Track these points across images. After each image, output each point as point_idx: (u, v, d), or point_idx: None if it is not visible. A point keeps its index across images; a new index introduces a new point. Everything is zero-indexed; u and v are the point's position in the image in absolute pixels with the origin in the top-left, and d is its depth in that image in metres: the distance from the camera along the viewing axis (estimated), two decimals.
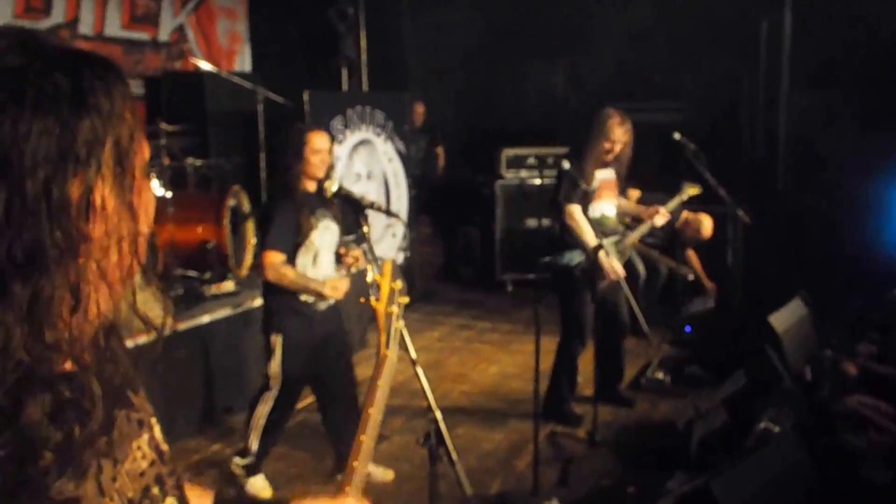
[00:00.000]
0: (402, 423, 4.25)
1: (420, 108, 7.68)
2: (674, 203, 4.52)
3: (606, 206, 4.30)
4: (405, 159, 6.71)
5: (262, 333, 3.46)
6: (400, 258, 6.65)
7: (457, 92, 7.97)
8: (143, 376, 1.04)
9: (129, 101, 0.83)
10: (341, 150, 6.03)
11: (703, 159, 5.14)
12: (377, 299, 1.50)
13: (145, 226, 0.88)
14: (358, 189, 5.66)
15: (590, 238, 4.04)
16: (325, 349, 3.42)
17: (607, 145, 4.13)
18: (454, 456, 2.52)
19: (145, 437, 0.99)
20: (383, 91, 7.15)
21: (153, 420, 1.02)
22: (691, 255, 5.74)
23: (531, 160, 7.06)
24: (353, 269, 3.59)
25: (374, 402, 1.38)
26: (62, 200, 0.77)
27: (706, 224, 5.53)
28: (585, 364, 4.49)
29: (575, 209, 4.10)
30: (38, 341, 0.78)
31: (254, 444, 3.43)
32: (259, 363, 4.60)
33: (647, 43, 6.42)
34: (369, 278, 1.58)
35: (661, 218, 4.32)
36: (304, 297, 3.34)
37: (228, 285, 4.72)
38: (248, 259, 5.07)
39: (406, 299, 1.54)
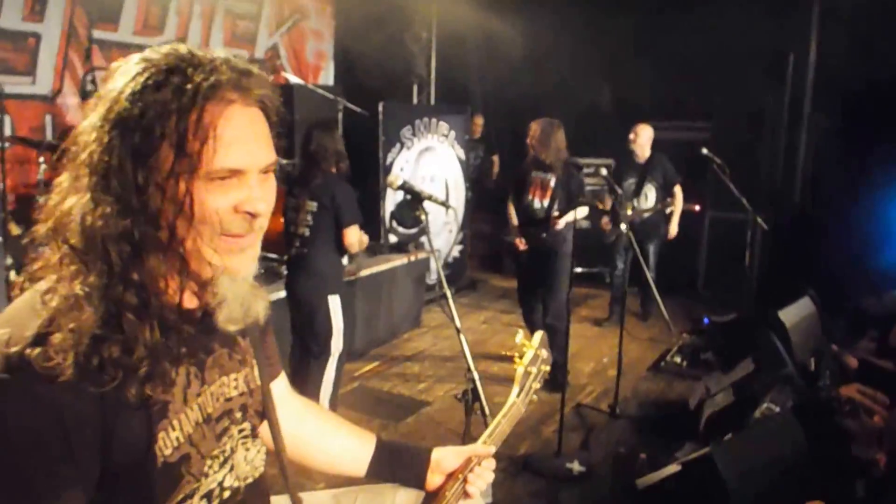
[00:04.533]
0: (443, 392, 4.34)
1: (479, 121, 7.74)
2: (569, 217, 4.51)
3: (535, 200, 4.57)
4: (464, 165, 6.78)
5: (316, 297, 3.43)
6: (456, 251, 6.74)
7: (512, 107, 7.99)
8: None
9: (187, 111, 0.90)
10: (409, 155, 6.15)
11: (728, 172, 5.09)
12: (520, 357, 1.57)
13: (199, 215, 0.94)
14: (417, 186, 5.76)
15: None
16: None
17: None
18: (487, 410, 2.57)
19: (244, 372, 1.11)
20: (448, 105, 7.24)
21: (254, 362, 1.14)
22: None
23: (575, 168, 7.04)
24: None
25: (495, 438, 1.44)
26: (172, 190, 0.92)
27: None
28: (611, 346, 4.50)
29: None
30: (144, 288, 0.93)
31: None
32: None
33: (683, 68, 6.34)
34: (518, 338, 1.64)
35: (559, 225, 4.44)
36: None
37: None
38: None
39: (548, 368, 1.58)
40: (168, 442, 0.95)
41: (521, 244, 4.64)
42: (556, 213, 4.42)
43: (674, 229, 5.50)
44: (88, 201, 0.89)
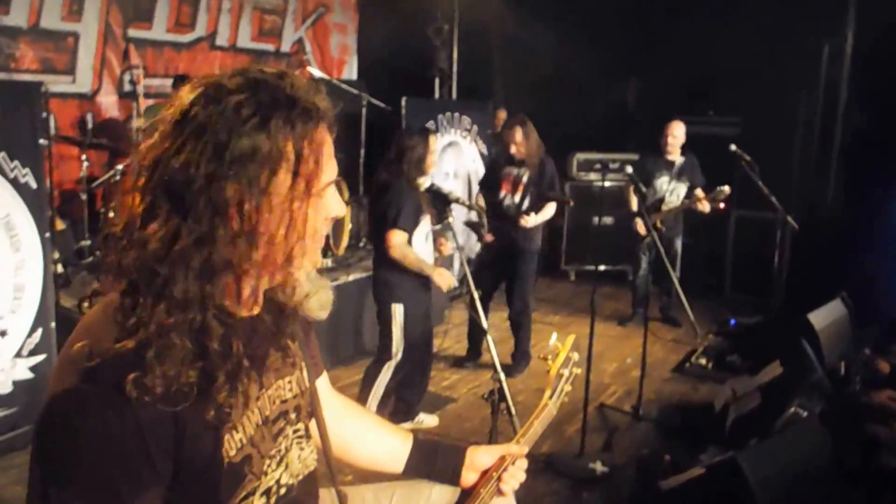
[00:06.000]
0: (468, 389, 4.38)
1: (502, 115, 7.71)
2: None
3: (506, 196, 4.58)
4: (486, 161, 6.79)
5: (380, 303, 3.45)
6: (478, 248, 6.75)
7: (536, 101, 7.98)
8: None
9: (300, 139, 0.97)
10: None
11: (757, 170, 5.05)
12: (553, 359, 1.63)
13: (309, 230, 1.02)
14: (446, 185, 5.81)
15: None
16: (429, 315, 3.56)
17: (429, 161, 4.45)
18: (513, 410, 2.60)
19: (296, 375, 1.18)
20: (470, 99, 7.25)
21: (303, 364, 1.21)
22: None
23: (599, 164, 7.02)
24: (444, 253, 3.69)
25: (527, 439, 1.51)
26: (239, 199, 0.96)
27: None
28: (635, 347, 4.50)
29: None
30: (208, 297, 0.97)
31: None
32: (349, 330, 4.79)
33: (712, 60, 6.27)
34: (552, 341, 1.66)
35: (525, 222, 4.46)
36: None
37: (327, 262, 4.93)
38: (344, 240, 5.29)
39: (578, 371, 1.66)
40: (232, 444, 1.01)
41: (490, 238, 4.64)
42: (524, 211, 4.46)
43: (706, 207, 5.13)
44: (205, 233, 0.93)
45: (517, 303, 4.68)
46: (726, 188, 4.92)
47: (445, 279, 3.40)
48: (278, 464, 1.12)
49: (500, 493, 1.42)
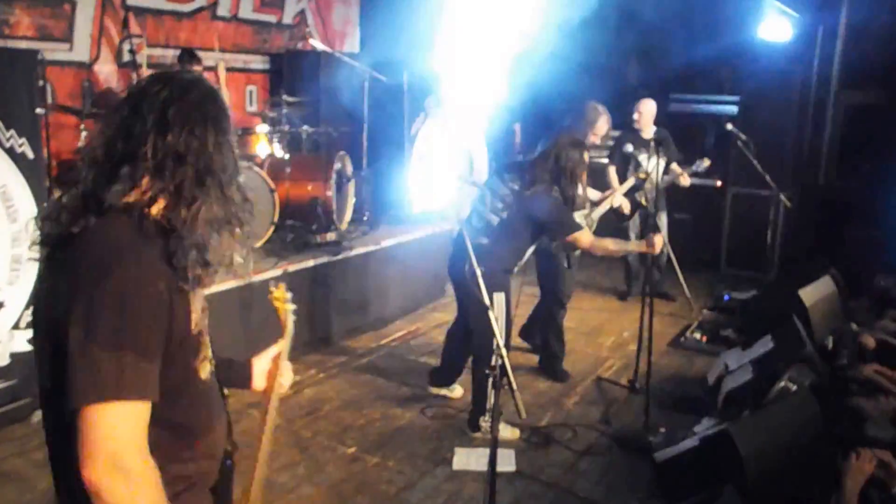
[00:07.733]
0: (470, 361, 4.48)
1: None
2: (627, 186, 4.84)
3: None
4: (486, 136, 6.81)
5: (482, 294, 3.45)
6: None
7: (538, 77, 7.98)
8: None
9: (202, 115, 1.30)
10: (433, 124, 6.19)
11: (752, 148, 5.13)
12: (278, 299, 1.86)
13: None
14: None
15: None
16: None
17: (592, 137, 4.43)
18: (514, 385, 2.68)
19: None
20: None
21: None
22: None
23: (599, 142, 7.06)
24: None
25: (286, 341, 1.82)
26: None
27: None
28: (632, 322, 4.61)
29: None
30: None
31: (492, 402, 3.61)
32: (355, 303, 4.82)
33: (710, 41, 6.31)
34: (274, 288, 1.88)
35: (617, 199, 4.66)
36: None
37: (331, 236, 4.91)
38: (348, 214, 5.33)
39: (295, 305, 1.87)
40: (193, 318, 1.30)
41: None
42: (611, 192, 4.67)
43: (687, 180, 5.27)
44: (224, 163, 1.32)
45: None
46: (706, 160, 5.00)
47: (657, 243, 3.69)
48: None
49: (281, 386, 1.78)
